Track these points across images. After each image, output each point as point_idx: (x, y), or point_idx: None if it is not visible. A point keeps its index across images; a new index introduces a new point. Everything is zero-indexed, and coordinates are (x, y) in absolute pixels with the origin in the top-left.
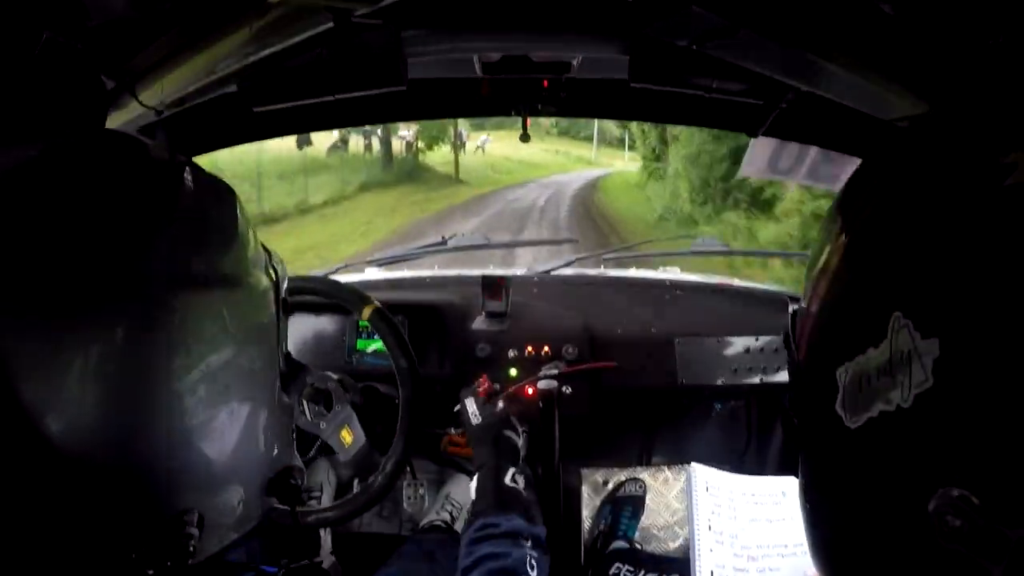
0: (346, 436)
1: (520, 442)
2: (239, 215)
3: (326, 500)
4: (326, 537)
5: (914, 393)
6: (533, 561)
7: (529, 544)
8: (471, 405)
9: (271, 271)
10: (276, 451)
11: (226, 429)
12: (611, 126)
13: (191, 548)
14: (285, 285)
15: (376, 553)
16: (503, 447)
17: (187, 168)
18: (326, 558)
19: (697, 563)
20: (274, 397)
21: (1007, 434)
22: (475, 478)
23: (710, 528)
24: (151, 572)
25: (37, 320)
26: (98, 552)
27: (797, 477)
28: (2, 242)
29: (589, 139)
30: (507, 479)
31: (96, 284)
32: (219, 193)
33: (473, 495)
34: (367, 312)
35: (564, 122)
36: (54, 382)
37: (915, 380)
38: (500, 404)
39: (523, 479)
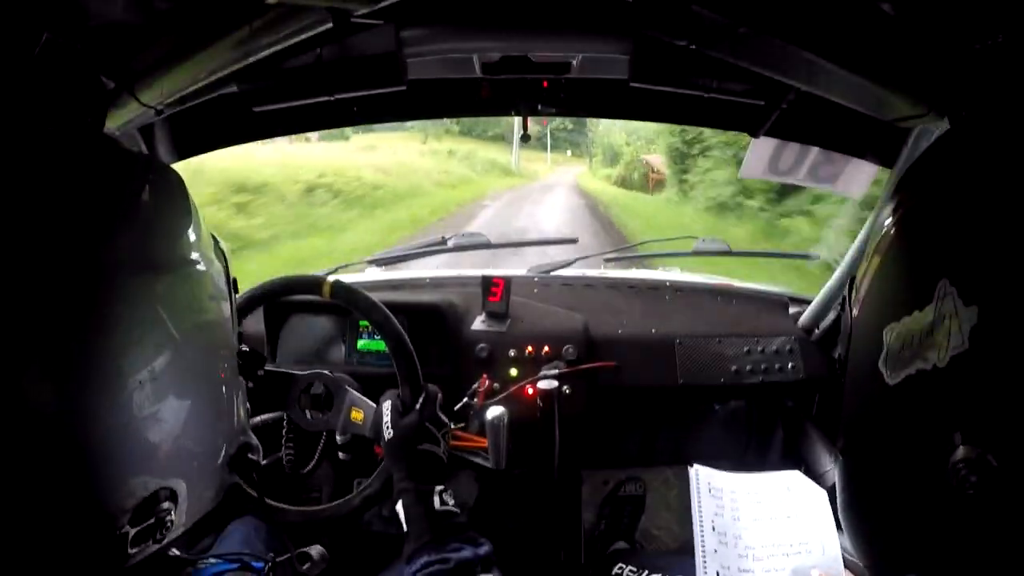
0: (356, 415)
1: (441, 449)
2: (187, 200)
3: (324, 500)
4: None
5: (950, 355)
6: None
7: (479, 570)
8: (385, 415)
9: (219, 254)
10: (234, 428)
11: (181, 408)
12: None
13: (168, 523)
14: (231, 267)
15: (376, 553)
16: (421, 464)
17: (135, 155)
18: (315, 549)
19: (702, 565)
20: (229, 375)
21: None
22: (399, 503)
23: (714, 530)
24: (134, 550)
25: None
26: (78, 535)
27: (800, 470)
28: None
29: (498, 139)
30: (437, 503)
31: (46, 268)
32: (167, 179)
33: (404, 525)
34: (326, 289)
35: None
36: (7, 370)
37: (953, 343)
38: (415, 411)
39: (449, 495)
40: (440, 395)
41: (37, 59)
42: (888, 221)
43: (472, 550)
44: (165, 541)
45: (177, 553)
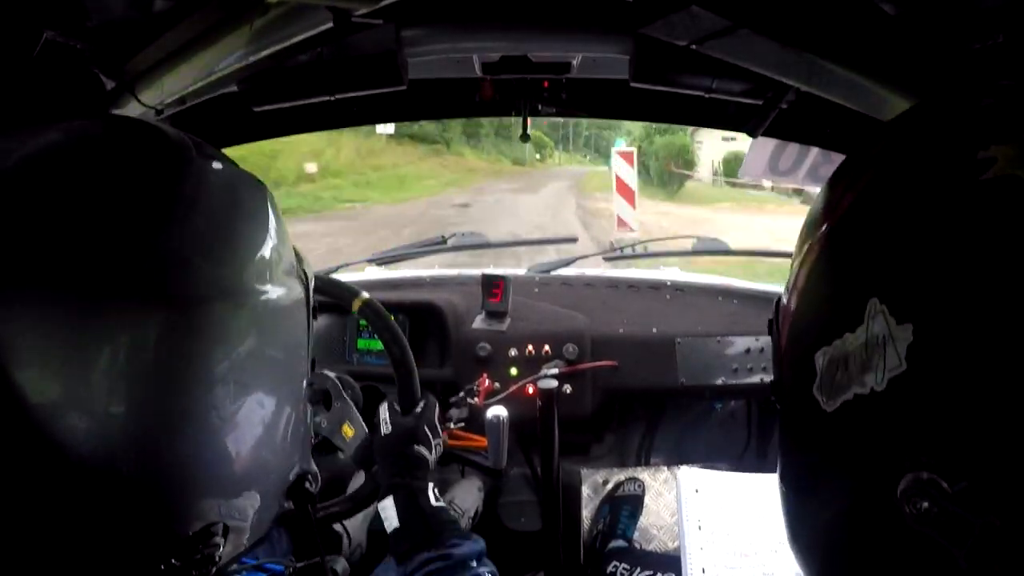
0: (347, 431)
1: (431, 457)
2: (271, 214)
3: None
4: (359, 534)
5: (888, 377)
6: None
7: (476, 564)
8: (383, 412)
9: (302, 275)
10: (297, 457)
11: (253, 435)
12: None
13: (217, 559)
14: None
15: (376, 553)
16: (410, 464)
17: (218, 164)
18: (337, 560)
19: (688, 562)
20: (299, 403)
21: (976, 420)
22: (388, 500)
23: (700, 528)
24: None
25: (58, 317)
26: (125, 563)
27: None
28: (22, 234)
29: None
30: (431, 500)
31: (120, 283)
32: (250, 191)
33: (393, 523)
34: (356, 304)
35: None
36: (77, 380)
37: (889, 364)
38: (414, 415)
39: (438, 492)
40: (437, 407)
41: (37, 59)
42: (810, 239)
43: (469, 545)
44: (209, 575)
45: None
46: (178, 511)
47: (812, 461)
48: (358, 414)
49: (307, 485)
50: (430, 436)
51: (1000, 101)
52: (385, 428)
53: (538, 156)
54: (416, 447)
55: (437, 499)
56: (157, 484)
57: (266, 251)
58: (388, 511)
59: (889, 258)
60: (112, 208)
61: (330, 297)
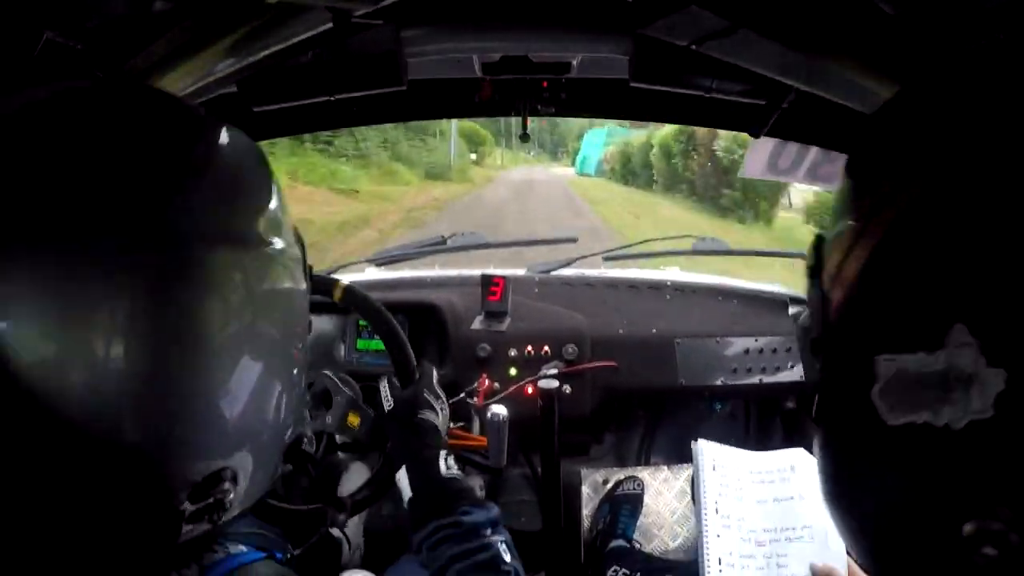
0: (353, 419)
1: (439, 420)
2: (272, 179)
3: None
4: (356, 536)
5: (969, 419)
6: (504, 546)
7: (490, 532)
8: (384, 389)
9: (298, 242)
10: (296, 415)
11: (255, 389)
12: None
13: (228, 505)
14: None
15: (376, 552)
16: (421, 432)
17: (223, 126)
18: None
19: (705, 550)
20: (300, 361)
21: None
22: (402, 471)
23: (717, 511)
24: (189, 527)
25: (57, 271)
26: (137, 504)
27: (806, 448)
28: (24, 189)
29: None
30: (442, 468)
31: (121, 232)
32: (254, 154)
33: (407, 493)
34: (338, 293)
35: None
36: (77, 335)
37: (973, 407)
38: (413, 383)
39: (452, 460)
40: (435, 371)
41: (37, 59)
42: (905, 199)
43: (483, 512)
44: (220, 522)
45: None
46: (182, 460)
47: (868, 467)
48: (361, 402)
49: (304, 446)
50: (431, 401)
51: None
52: (387, 404)
53: (473, 157)
54: (421, 414)
55: (449, 468)
56: (160, 433)
57: (272, 205)
58: (402, 482)
59: (987, 285)
60: (111, 162)
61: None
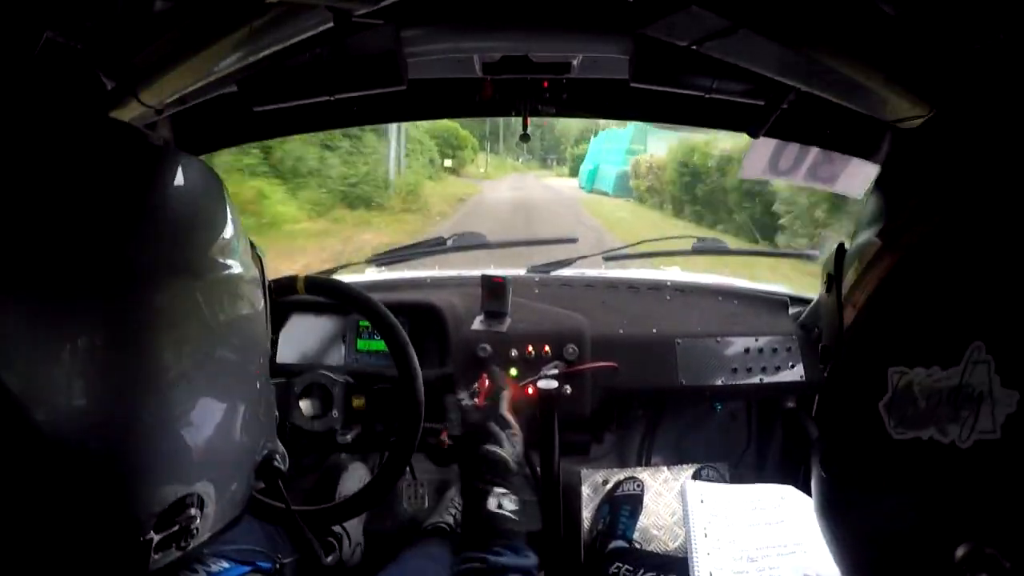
0: (358, 402)
1: (507, 451)
2: (226, 202)
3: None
4: (356, 534)
5: (975, 439)
6: None
7: None
8: (452, 412)
9: (256, 259)
10: (263, 434)
11: (217, 412)
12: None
13: (194, 531)
14: (266, 271)
15: (375, 552)
16: (484, 465)
17: (177, 157)
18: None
19: (695, 568)
20: (262, 380)
21: None
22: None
23: (706, 535)
24: (157, 556)
25: (20, 306)
26: (102, 539)
27: (800, 470)
28: None
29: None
30: (491, 505)
31: (80, 269)
32: (208, 182)
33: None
34: (299, 285)
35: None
36: (40, 370)
37: (981, 426)
38: (481, 408)
39: (510, 500)
40: (507, 393)
41: (37, 59)
42: (903, 235)
43: (513, 558)
44: (189, 548)
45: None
46: (146, 489)
47: (866, 477)
48: (356, 385)
49: (275, 463)
50: (499, 431)
51: None
52: (457, 430)
53: (449, 164)
54: (488, 446)
55: (500, 506)
56: (124, 463)
57: (226, 233)
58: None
59: (1009, 306)
60: (68, 201)
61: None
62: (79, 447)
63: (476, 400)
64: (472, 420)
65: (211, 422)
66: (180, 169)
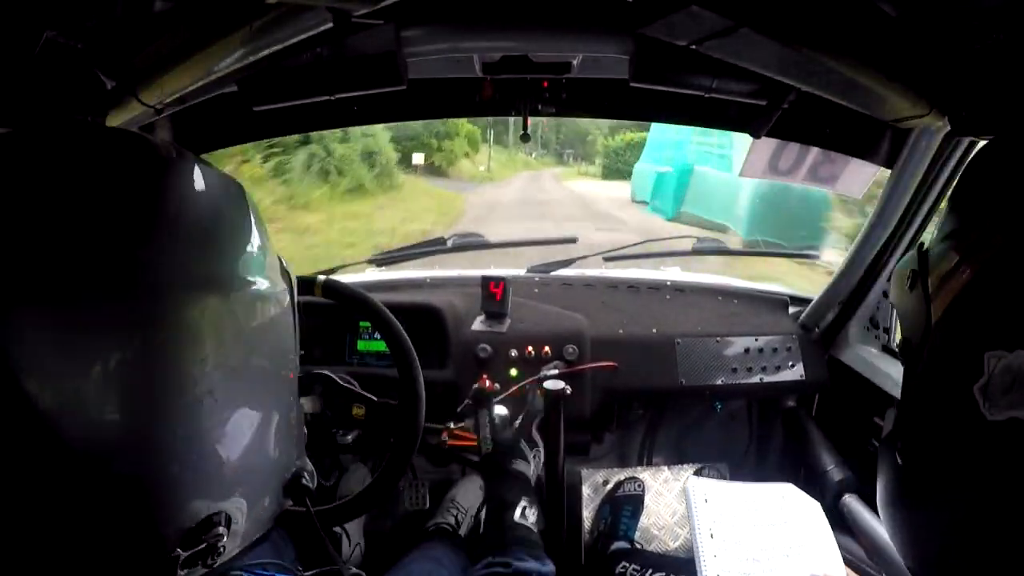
0: (358, 411)
1: (532, 468)
2: (251, 215)
3: None
4: (356, 535)
5: None
6: None
7: None
8: (484, 430)
9: (285, 274)
10: (292, 454)
11: (247, 431)
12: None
13: (221, 549)
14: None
15: (375, 552)
16: (511, 480)
17: (198, 167)
18: (348, 568)
19: (703, 570)
20: (291, 398)
21: None
22: (484, 508)
23: (712, 536)
24: (183, 573)
25: (52, 324)
26: (129, 554)
27: (800, 470)
28: (13, 244)
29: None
30: (516, 515)
31: (110, 287)
32: (232, 193)
33: (481, 529)
34: (318, 289)
35: None
36: (70, 387)
37: None
38: (514, 426)
39: (533, 512)
40: (539, 417)
41: (37, 59)
42: (995, 224)
43: (536, 564)
44: (215, 566)
45: None
46: (176, 506)
47: (958, 460)
48: (360, 391)
49: (303, 481)
50: (526, 451)
51: None
52: (486, 445)
53: (417, 161)
54: (515, 463)
55: (524, 517)
56: (155, 480)
57: (249, 248)
58: (481, 522)
59: None
60: (96, 216)
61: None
62: (107, 463)
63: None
64: (504, 437)
65: (241, 439)
66: (200, 181)
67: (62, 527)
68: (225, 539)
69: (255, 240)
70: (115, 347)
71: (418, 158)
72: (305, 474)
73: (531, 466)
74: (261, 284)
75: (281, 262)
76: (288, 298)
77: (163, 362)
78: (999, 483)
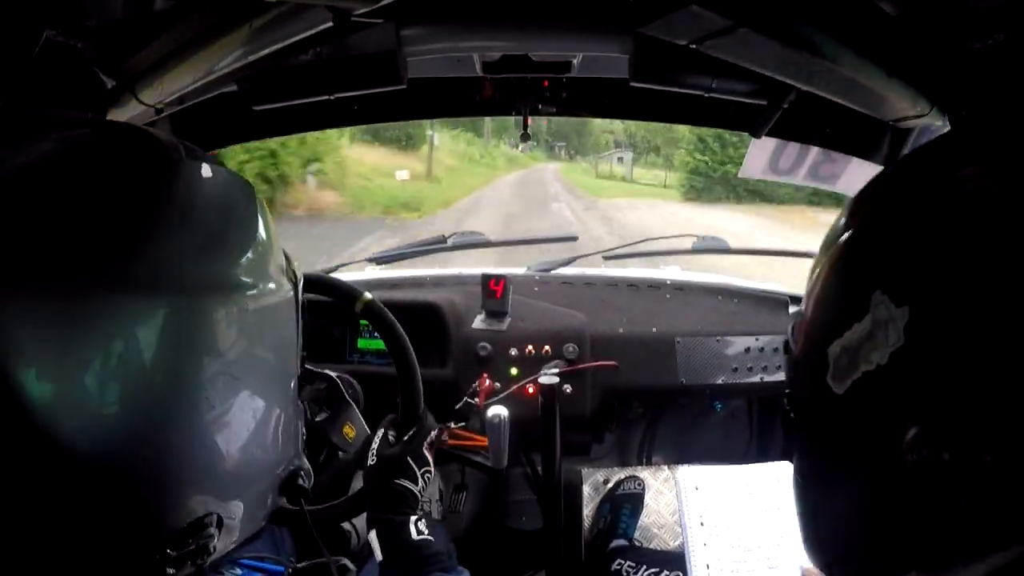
0: (348, 431)
1: (418, 488)
2: (260, 214)
3: None
4: (365, 531)
5: (889, 352)
6: None
7: None
8: (374, 443)
9: (291, 274)
10: (289, 453)
11: (244, 431)
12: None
13: (211, 548)
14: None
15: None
16: (394, 498)
17: (207, 164)
18: (339, 559)
19: (691, 559)
20: (289, 400)
21: (964, 376)
22: (373, 533)
23: (702, 524)
24: (172, 571)
25: (53, 317)
26: (119, 554)
27: (791, 462)
28: (20, 238)
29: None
30: (412, 534)
31: (114, 282)
32: (241, 192)
33: (379, 555)
34: (359, 306)
35: None
36: (69, 381)
37: (891, 341)
38: (401, 443)
39: (424, 523)
40: (435, 433)
41: (37, 58)
42: (826, 256)
43: None
44: (205, 565)
45: None
46: (170, 504)
47: (827, 447)
48: (359, 414)
49: (299, 480)
50: (415, 467)
51: (973, 127)
52: (372, 460)
53: (312, 169)
54: (399, 481)
55: (420, 532)
56: (151, 477)
57: (256, 249)
58: (374, 543)
59: (890, 258)
60: (104, 212)
61: (332, 298)
62: (102, 460)
63: (477, 399)
64: (391, 453)
65: (238, 439)
66: (209, 181)
67: (51, 523)
68: (216, 540)
69: (262, 240)
70: (117, 341)
71: (313, 169)
72: (301, 473)
73: (418, 484)
74: (266, 284)
75: (289, 261)
76: (293, 298)
77: (163, 360)
78: (856, 443)
